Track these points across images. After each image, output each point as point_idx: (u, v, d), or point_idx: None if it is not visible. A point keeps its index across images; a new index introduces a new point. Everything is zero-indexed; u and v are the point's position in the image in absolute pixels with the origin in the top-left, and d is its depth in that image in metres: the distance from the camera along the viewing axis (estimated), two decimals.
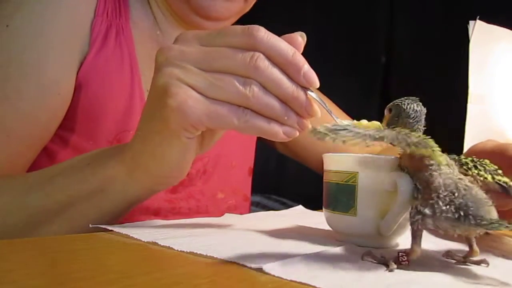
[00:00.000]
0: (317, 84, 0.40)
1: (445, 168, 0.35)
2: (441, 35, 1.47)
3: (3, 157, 0.53)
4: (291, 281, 0.30)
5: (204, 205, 0.69)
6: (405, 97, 0.41)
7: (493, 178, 0.38)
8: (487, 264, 0.37)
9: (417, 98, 0.40)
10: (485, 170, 0.38)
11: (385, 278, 0.32)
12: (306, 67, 0.40)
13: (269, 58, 0.39)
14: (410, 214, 0.35)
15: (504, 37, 0.69)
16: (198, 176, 0.68)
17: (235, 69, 0.39)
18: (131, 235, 0.41)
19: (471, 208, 0.33)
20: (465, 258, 0.38)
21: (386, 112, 0.42)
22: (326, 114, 0.43)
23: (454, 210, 0.33)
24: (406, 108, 0.40)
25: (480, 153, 0.38)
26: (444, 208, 0.34)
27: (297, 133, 0.42)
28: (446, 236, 0.46)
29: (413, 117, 0.39)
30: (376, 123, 0.42)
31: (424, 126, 0.40)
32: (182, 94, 0.39)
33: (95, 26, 0.60)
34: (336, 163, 0.45)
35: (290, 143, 0.83)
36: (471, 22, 0.66)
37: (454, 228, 0.34)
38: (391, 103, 0.41)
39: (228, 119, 0.40)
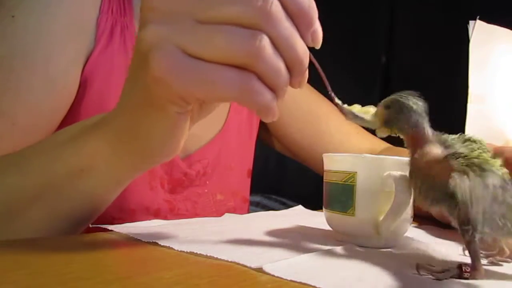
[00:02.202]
0: (320, 45, 0.34)
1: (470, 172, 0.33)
2: (441, 35, 1.47)
3: (6, 147, 0.53)
4: (291, 281, 0.30)
5: (203, 206, 0.69)
6: (400, 92, 0.37)
7: None
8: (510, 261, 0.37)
9: (414, 92, 0.37)
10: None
11: (385, 278, 0.32)
12: (317, 23, 0.33)
13: (282, 5, 0.31)
14: (465, 233, 0.32)
15: (504, 37, 0.69)
16: (198, 178, 0.68)
17: (239, 16, 0.31)
18: (131, 235, 0.41)
19: None
20: (493, 257, 0.37)
21: (381, 109, 0.38)
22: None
23: (510, 225, 0.31)
24: (408, 102, 0.36)
25: None
26: (500, 223, 0.31)
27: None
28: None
29: (416, 111, 0.36)
30: (370, 108, 0.41)
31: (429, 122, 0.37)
32: (166, 59, 0.31)
33: (100, 23, 0.60)
34: (336, 163, 0.45)
35: (288, 143, 0.83)
36: (471, 22, 0.66)
37: (504, 239, 0.33)
38: (385, 100, 0.38)
39: (226, 89, 0.31)
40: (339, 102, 0.40)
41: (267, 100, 0.32)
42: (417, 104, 0.36)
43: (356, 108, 0.40)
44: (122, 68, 0.62)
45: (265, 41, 0.31)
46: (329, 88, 0.39)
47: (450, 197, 0.33)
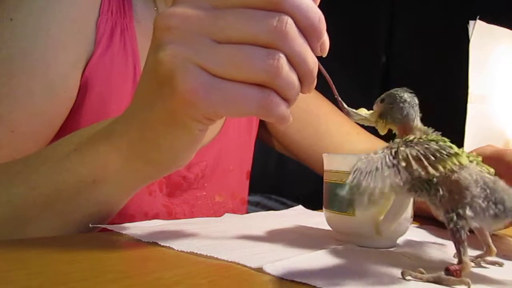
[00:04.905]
0: (326, 53, 0.36)
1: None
2: (441, 35, 1.47)
3: (6, 153, 0.52)
4: (291, 281, 0.30)
5: (201, 209, 0.69)
6: (395, 88, 0.39)
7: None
8: (502, 264, 0.37)
9: (408, 89, 0.39)
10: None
11: (385, 279, 0.32)
12: (326, 35, 0.34)
13: (294, 21, 0.32)
14: (449, 222, 0.32)
15: (504, 37, 0.69)
16: (196, 181, 0.68)
17: (256, 36, 0.32)
18: (131, 235, 0.41)
19: (507, 201, 0.31)
20: (481, 258, 0.37)
21: (376, 104, 0.40)
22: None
23: (494, 207, 0.31)
24: (400, 93, 0.38)
25: None
26: (484, 205, 0.31)
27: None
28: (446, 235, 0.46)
29: (408, 102, 0.38)
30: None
31: (420, 114, 0.39)
32: (191, 81, 0.32)
33: (100, 25, 0.59)
34: (336, 163, 0.45)
35: (288, 143, 0.83)
36: (471, 22, 0.66)
37: (495, 225, 0.32)
38: (382, 95, 0.40)
39: (248, 106, 0.33)
40: (346, 106, 0.40)
41: (283, 111, 0.34)
42: (410, 97, 0.38)
43: (363, 112, 0.41)
44: (122, 71, 0.61)
45: (282, 60, 0.32)
46: (336, 93, 0.40)
47: (429, 186, 0.33)
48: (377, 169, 0.32)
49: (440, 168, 0.32)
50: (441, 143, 0.33)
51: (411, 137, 0.35)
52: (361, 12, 1.72)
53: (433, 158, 0.32)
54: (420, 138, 0.34)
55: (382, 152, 0.33)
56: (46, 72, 0.55)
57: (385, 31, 1.69)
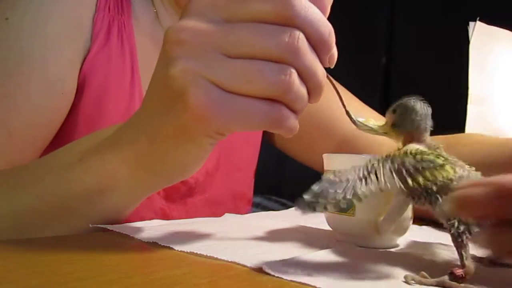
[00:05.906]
0: (334, 64, 0.36)
1: (459, 170, 0.34)
2: (441, 36, 1.47)
3: (3, 157, 0.52)
4: (291, 281, 0.30)
5: (201, 214, 0.68)
6: (408, 96, 0.39)
7: None
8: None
9: (420, 97, 0.39)
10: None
11: (385, 279, 0.32)
12: (334, 48, 0.35)
13: (305, 35, 0.32)
14: (451, 227, 0.32)
15: (504, 38, 0.69)
16: (197, 185, 0.67)
17: (268, 52, 0.32)
18: (131, 235, 0.41)
19: None
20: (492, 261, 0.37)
21: (388, 114, 0.40)
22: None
23: None
24: (413, 105, 0.38)
25: None
26: None
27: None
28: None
29: (420, 114, 0.38)
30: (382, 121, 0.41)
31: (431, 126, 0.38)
32: (203, 96, 0.32)
33: (97, 21, 0.59)
34: (336, 163, 0.45)
35: (288, 142, 0.80)
36: (471, 24, 0.67)
37: None
38: (394, 104, 0.40)
39: (260, 121, 0.33)
40: (353, 116, 0.40)
41: (292, 123, 0.34)
42: (421, 107, 0.38)
43: (371, 122, 0.41)
44: (119, 69, 0.60)
45: (294, 75, 0.32)
46: (344, 103, 0.40)
47: (429, 194, 0.33)
48: (347, 180, 0.32)
49: (410, 182, 0.33)
50: (418, 157, 0.34)
51: (391, 153, 0.36)
52: (361, 13, 1.72)
53: (405, 172, 0.33)
54: (401, 153, 0.35)
55: (358, 167, 0.34)
56: (44, 71, 0.54)
57: (385, 32, 1.69)
